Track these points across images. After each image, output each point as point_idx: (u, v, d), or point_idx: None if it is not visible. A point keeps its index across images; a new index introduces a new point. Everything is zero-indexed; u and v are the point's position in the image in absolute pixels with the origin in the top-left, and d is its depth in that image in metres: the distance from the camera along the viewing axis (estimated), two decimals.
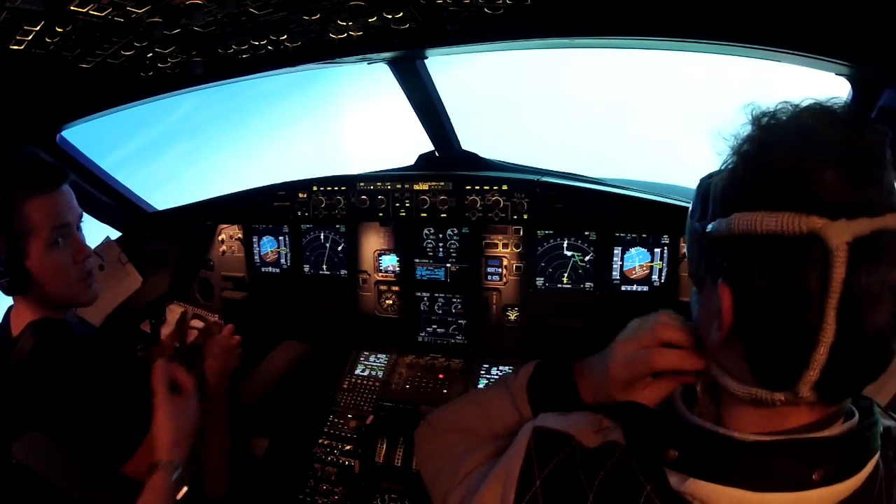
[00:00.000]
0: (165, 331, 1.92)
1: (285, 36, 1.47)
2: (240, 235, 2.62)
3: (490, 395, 1.07)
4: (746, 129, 0.67)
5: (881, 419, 0.74)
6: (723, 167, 0.70)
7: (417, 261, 2.35)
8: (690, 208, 0.77)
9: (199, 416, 1.32)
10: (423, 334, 2.39)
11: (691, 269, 0.77)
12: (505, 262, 2.23)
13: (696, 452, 0.70)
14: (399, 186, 2.22)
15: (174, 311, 1.97)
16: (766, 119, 0.66)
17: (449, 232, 2.29)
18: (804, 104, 0.64)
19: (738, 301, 0.65)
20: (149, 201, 2.60)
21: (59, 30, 1.24)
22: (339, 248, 2.47)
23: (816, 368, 0.60)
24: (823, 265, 0.57)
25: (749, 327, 0.65)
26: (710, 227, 0.68)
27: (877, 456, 0.67)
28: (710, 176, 0.73)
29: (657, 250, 2.06)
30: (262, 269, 2.60)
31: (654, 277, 2.07)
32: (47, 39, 1.28)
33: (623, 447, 0.76)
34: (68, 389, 1.26)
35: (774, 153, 0.63)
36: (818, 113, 0.63)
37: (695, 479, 0.68)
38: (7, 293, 1.34)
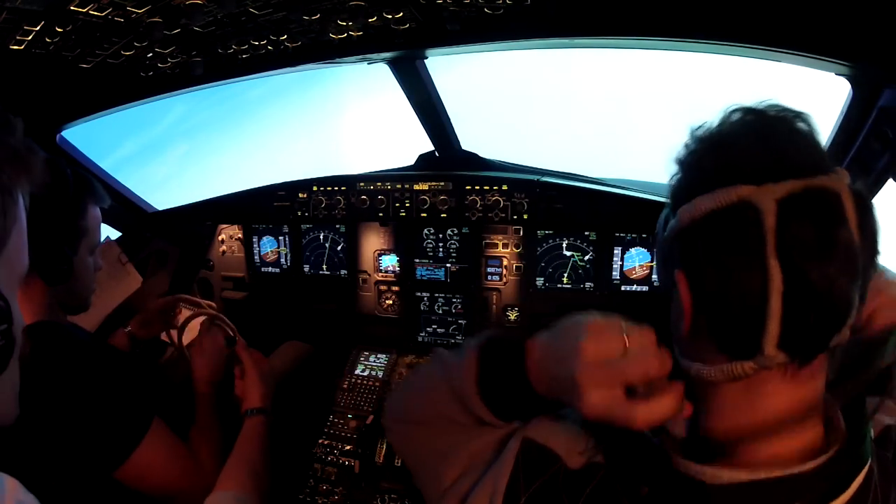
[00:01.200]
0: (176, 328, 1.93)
1: (285, 36, 1.47)
2: (240, 235, 2.62)
3: (440, 399, 0.91)
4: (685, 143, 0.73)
5: (878, 419, 0.73)
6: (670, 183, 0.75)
7: (417, 261, 2.35)
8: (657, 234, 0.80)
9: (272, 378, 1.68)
10: (423, 334, 2.39)
11: (659, 280, 0.79)
12: (505, 262, 2.23)
13: (665, 494, 0.69)
14: (399, 186, 2.22)
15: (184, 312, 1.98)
16: (699, 129, 0.72)
17: (449, 232, 2.29)
18: (732, 108, 0.70)
19: (691, 280, 0.68)
20: (149, 201, 2.60)
21: (59, 30, 1.24)
22: (339, 248, 2.47)
23: (775, 321, 0.61)
24: (756, 222, 0.61)
25: (705, 300, 0.67)
26: (665, 233, 0.73)
27: (867, 466, 0.66)
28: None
29: (657, 250, 2.06)
30: (262, 269, 2.60)
31: (654, 277, 2.07)
32: (47, 39, 1.29)
33: (605, 468, 0.76)
34: (68, 390, 1.26)
35: (703, 148, 0.70)
36: (744, 110, 0.69)
37: None
38: (52, 282, 1.38)
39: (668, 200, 0.76)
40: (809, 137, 0.66)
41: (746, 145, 0.66)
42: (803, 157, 0.64)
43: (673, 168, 0.74)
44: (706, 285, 0.66)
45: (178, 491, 1.34)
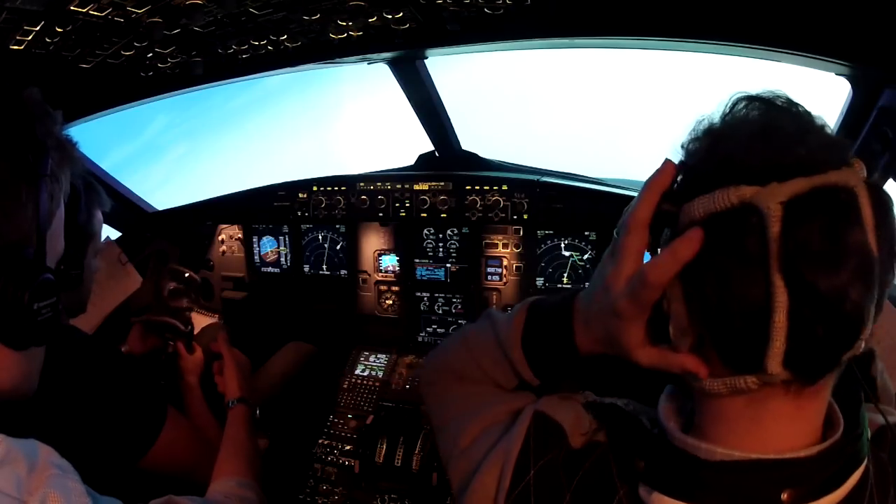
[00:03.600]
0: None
1: (285, 36, 1.47)
2: (240, 235, 2.62)
3: (481, 347, 0.94)
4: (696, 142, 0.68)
5: (873, 419, 0.71)
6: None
7: (417, 261, 2.34)
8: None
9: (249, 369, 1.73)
10: (423, 334, 2.39)
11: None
12: (505, 262, 2.23)
13: (661, 467, 0.68)
14: (399, 186, 2.22)
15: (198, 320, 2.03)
16: (702, 122, 0.67)
17: (449, 232, 2.29)
18: (735, 98, 0.66)
19: (688, 289, 0.64)
20: (149, 201, 2.60)
21: (59, 30, 1.24)
22: (339, 248, 2.47)
23: (780, 338, 0.57)
24: (760, 228, 0.56)
25: (705, 312, 0.62)
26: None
27: (863, 466, 0.64)
28: None
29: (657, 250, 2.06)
30: (263, 269, 2.60)
31: None
32: (47, 39, 1.29)
33: (605, 446, 0.76)
34: (86, 392, 1.26)
35: (705, 143, 0.65)
36: (748, 100, 0.65)
37: (659, 493, 0.66)
38: (65, 287, 1.38)
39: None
40: (818, 128, 0.61)
41: (749, 139, 0.60)
42: (812, 151, 0.58)
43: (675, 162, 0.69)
44: (706, 296, 0.61)
45: (197, 468, 1.40)
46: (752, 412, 0.65)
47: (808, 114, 0.63)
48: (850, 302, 0.56)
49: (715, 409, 0.68)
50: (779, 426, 0.64)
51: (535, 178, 2.11)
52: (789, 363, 0.58)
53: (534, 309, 0.88)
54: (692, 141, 0.67)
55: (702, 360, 0.66)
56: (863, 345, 0.60)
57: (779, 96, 0.64)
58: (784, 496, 0.60)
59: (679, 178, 0.68)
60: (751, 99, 0.65)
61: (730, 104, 0.66)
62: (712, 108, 0.68)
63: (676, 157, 0.70)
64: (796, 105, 0.64)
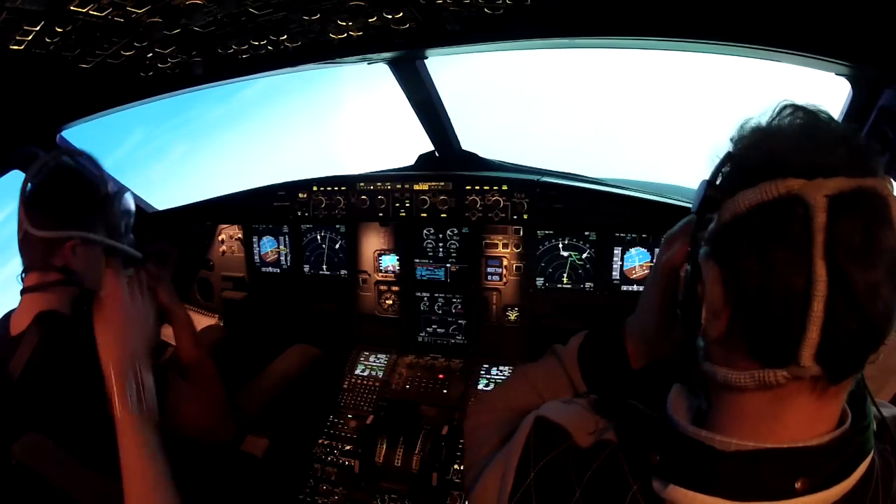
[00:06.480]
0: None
1: (285, 36, 1.47)
2: (240, 235, 2.62)
3: (538, 367, 1.12)
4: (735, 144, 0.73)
5: (878, 411, 0.73)
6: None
7: (417, 261, 2.35)
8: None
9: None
10: (423, 334, 2.40)
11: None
12: (505, 262, 2.23)
13: (677, 459, 0.69)
14: (399, 186, 2.22)
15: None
16: (748, 123, 0.71)
17: (449, 232, 2.29)
18: (782, 104, 0.70)
19: (728, 276, 0.65)
20: (149, 201, 2.60)
21: (59, 30, 1.24)
22: (339, 248, 2.47)
23: (815, 328, 0.59)
24: (806, 218, 0.59)
25: (744, 299, 0.64)
26: (699, 230, 0.72)
27: (870, 457, 0.66)
28: None
29: (657, 250, 2.06)
30: (262, 269, 2.60)
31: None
32: (47, 39, 1.29)
33: (615, 445, 0.77)
34: (73, 384, 1.27)
35: (751, 142, 0.69)
36: (794, 108, 0.69)
37: (675, 485, 0.67)
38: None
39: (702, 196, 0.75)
40: (857, 137, 0.65)
41: (797, 140, 0.65)
42: (854, 157, 0.62)
43: (716, 161, 0.72)
44: (746, 282, 0.63)
45: (207, 429, 1.52)
46: (775, 409, 0.66)
47: (845, 127, 0.67)
48: (882, 300, 0.59)
49: (735, 404, 0.69)
50: (798, 423, 0.66)
51: (535, 178, 2.11)
52: (821, 357, 0.60)
53: (590, 333, 1.07)
54: (740, 137, 0.71)
55: (727, 352, 0.69)
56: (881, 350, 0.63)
57: (821, 110, 0.69)
58: (798, 485, 0.62)
59: (726, 169, 0.71)
60: (796, 108, 0.69)
61: (777, 109, 0.70)
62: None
63: (712, 155, 0.74)
64: (834, 120, 0.69)
